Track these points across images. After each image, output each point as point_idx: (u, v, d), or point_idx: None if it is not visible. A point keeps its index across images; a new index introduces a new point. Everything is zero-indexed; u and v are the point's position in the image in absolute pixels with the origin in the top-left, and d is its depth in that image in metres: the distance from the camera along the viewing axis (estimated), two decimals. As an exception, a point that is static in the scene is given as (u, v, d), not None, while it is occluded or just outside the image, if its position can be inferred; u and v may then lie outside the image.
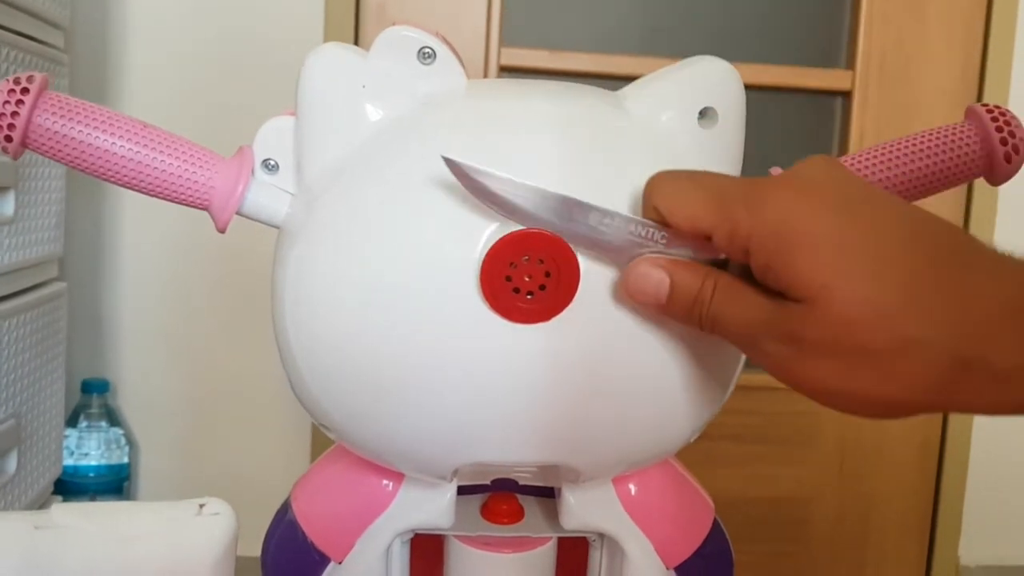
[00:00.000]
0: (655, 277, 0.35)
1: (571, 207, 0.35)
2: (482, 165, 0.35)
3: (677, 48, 1.36)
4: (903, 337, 0.30)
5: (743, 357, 0.41)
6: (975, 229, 1.39)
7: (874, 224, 0.32)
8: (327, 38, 1.31)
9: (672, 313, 0.35)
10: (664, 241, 0.35)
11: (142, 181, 0.38)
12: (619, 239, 0.35)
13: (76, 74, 1.19)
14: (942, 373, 0.31)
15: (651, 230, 0.35)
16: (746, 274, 0.34)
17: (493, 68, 1.35)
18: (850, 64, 1.39)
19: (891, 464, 1.45)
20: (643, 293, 0.35)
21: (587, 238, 0.35)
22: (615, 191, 0.37)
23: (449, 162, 0.35)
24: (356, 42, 1.31)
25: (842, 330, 0.31)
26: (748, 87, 0.40)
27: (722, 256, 0.35)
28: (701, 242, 0.35)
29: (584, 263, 0.36)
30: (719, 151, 0.40)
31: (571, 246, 0.35)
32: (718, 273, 0.34)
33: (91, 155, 0.38)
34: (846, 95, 1.39)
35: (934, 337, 0.30)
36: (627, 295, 0.36)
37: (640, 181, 0.38)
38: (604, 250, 0.35)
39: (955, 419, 1.43)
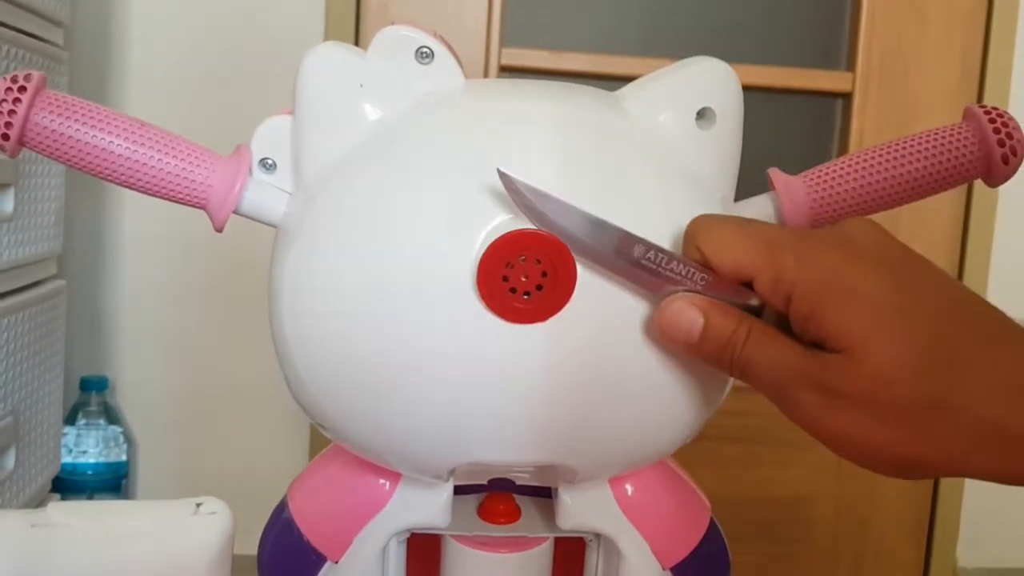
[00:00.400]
0: (688, 315, 0.35)
1: (619, 238, 0.35)
2: (536, 184, 0.35)
3: (677, 49, 1.36)
4: (937, 399, 0.32)
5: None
6: (975, 230, 1.39)
7: (914, 288, 0.33)
8: (328, 37, 1.31)
9: (702, 353, 0.36)
10: (703, 283, 0.35)
11: (139, 180, 0.38)
12: (659, 275, 0.35)
13: (76, 72, 1.19)
14: (969, 437, 0.32)
15: (692, 270, 0.35)
16: (780, 325, 0.35)
17: (494, 68, 1.35)
18: (850, 65, 1.39)
19: (889, 465, 1.44)
20: (675, 329, 0.35)
21: (627, 268, 0.35)
22: (612, 191, 0.37)
23: (504, 178, 0.35)
24: (357, 42, 1.31)
25: (879, 386, 0.32)
26: (748, 88, 0.40)
27: (756, 303, 0.35)
28: (740, 289, 0.35)
29: (581, 264, 0.36)
30: (716, 152, 0.40)
31: (608, 271, 0.36)
32: (752, 319, 0.35)
33: (88, 154, 0.38)
34: (846, 96, 1.39)
35: (965, 402, 0.32)
36: (658, 331, 0.36)
37: (637, 182, 0.38)
38: (641, 283, 0.36)
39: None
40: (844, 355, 0.32)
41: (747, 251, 0.34)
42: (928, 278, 0.34)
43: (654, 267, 0.35)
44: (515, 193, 0.35)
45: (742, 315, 0.35)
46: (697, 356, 0.36)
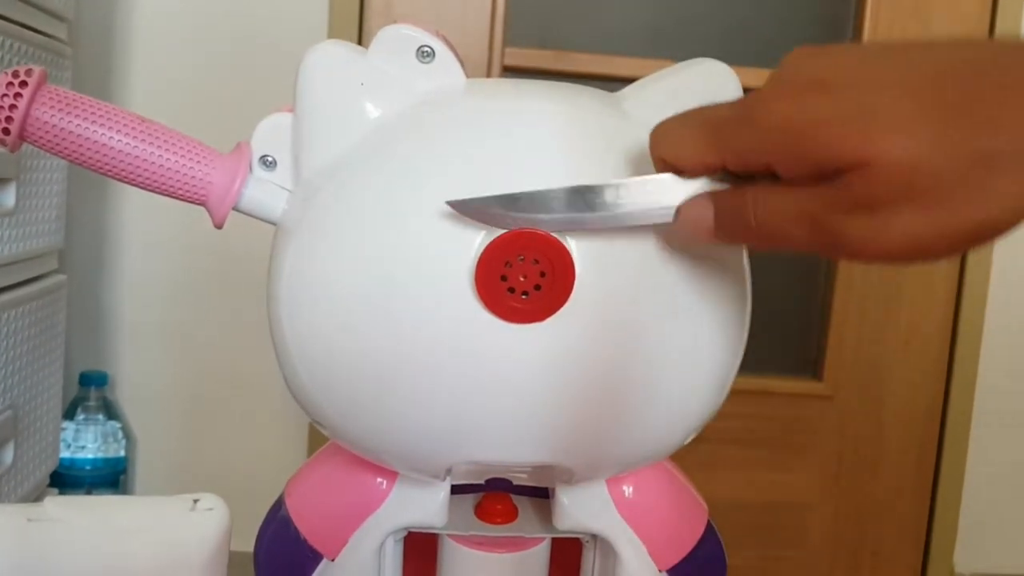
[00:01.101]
0: (696, 210, 0.34)
1: (583, 194, 0.35)
2: (481, 194, 0.35)
3: (680, 50, 1.35)
4: (972, 150, 0.28)
5: (739, 360, 0.41)
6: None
7: (886, 60, 0.30)
8: (332, 35, 1.31)
9: (727, 234, 0.34)
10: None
11: (139, 176, 0.38)
12: (641, 204, 0.35)
13: (79, 67, 1.19)
14: None
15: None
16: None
17: (496, 68, 1.35)
18: (853, 69, 1.39)
19: (888, 471, 1.44)
20: (694, 226, 0.35)
21: (611, 217, 0.35)
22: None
23: (458, 205, 0.35)
24: (360, 40, 1.31)
25: (910, 172, 0.29)
26: (749, 90, 0.40)
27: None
28: (713, 179, 0.34)
29: (580, 264, 0.36)
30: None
31: (607, 229, 0.36)
32: (754, 185, 0.33)
33: (88, 149, 0.38)
34: (849, 100, 1.39)
35: (1004, 140, 0.28)
36: (682, 236, 0.36)
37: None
38: (632, 221, 0.35)
39: (953, 427, 1.43)
40: (860, 168, 0.29)
41: (702, 143, 0.33)
42: (896, 46, 0.31)
43: (632, 201, 0.35)
44: (478, 213, 0.35)
45: (743, 187, 0.33)
46: (726, 240, 0.34)
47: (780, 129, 0.31)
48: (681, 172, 0.34)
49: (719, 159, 0.33)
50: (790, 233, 0.32)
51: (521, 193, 0.35)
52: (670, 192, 0.35)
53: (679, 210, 0.35)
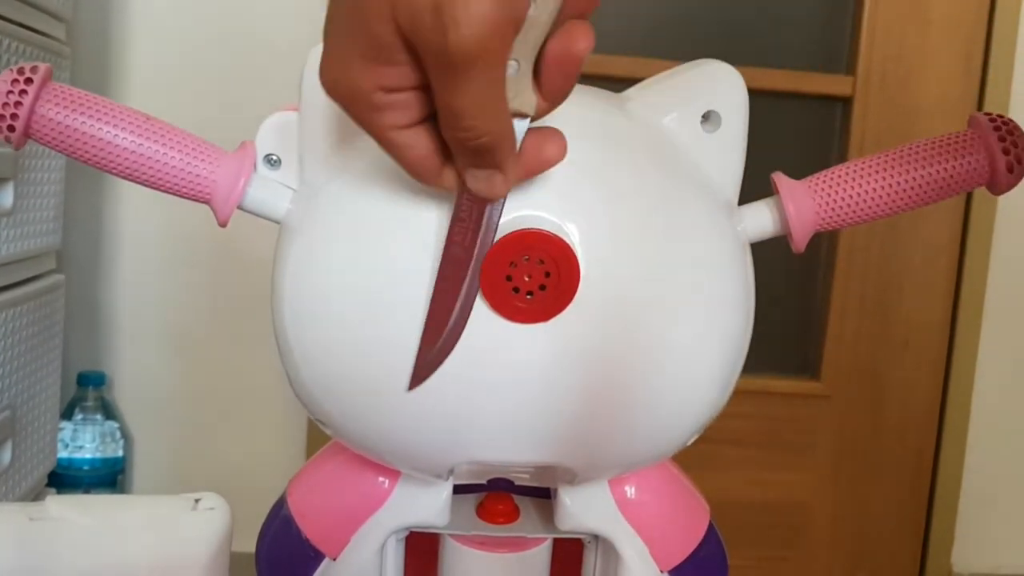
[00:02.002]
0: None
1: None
2: None
3: (680, 51, 1.35)
4: None
5: (742, 361, 0.41)
6: (974, 236, 1.39)
7: None
8: (329, 35, 1.30)
9: None
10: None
11: (144, 174, 0.38)
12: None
13: (78, 67, 1.19)
14: None
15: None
16: None
17: (495, 68, 1.34)
18: (851, 70, 1.39)
19: (886, 471, 1.45)
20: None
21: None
22: (615, 192, 0.37)
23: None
24: (358, 39, 1.30)
25: None
26: (748, 91, 0.40)
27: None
28: None
29: (585, 264, 0.36)
30: (721, 154, 0.40)
31: None
32: None
33: (93, 146, 0.38)
34: (847, 101, 1.39)
35: None
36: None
37: (641, 183, 0.38)
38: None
39: (950, 427, 1.43)
40: None
41: None
42: None
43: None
44: None
45: None
46: None
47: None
48: None
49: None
50: None
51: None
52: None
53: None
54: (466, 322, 0.36)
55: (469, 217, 0.34)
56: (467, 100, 0.29)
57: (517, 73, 0.30)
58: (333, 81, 0.31)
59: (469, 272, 0.35)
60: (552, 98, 0.32)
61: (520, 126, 0.32)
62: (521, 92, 0.31)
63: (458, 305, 0.35)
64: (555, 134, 0.33)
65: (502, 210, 0.34)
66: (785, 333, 1.43)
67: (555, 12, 0.30)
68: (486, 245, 0.35)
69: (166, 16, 1.30)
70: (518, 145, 0.32)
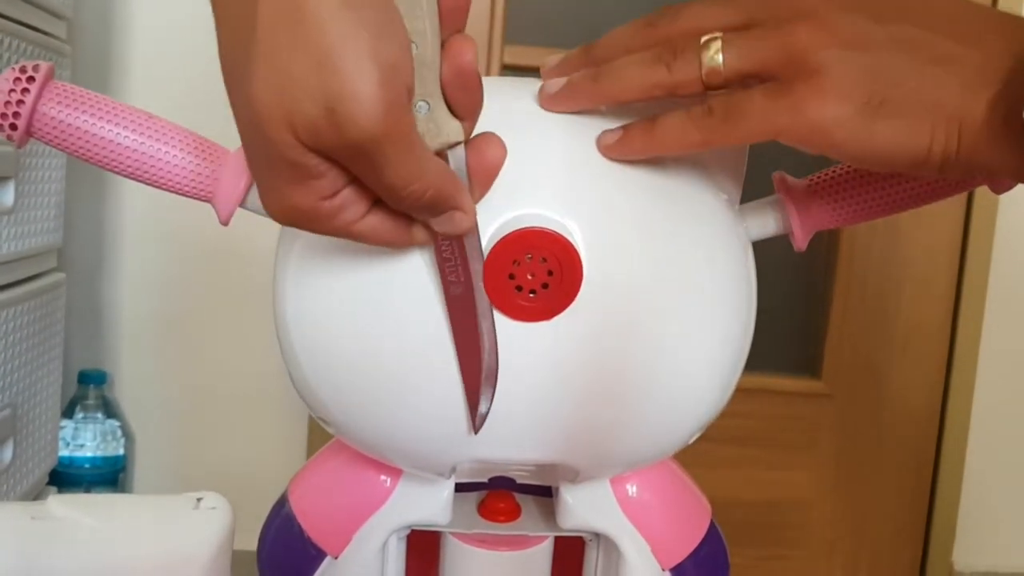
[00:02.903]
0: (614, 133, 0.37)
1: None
2: None
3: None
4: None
5: (743, 359, 0.41)
6: (975, 234, 1.39)
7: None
8: (330, 33, 1.30)
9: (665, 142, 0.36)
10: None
11: (146, 172, 0.38)
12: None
13: (78, 65, 1.19)
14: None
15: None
16: None
17: (496, 66, 1.35)
18: (853, 69, 1.39)
19: (887, 469, 1.45)
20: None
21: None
22: (616, 192, 0.37)
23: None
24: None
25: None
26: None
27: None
28: None
29: (587, 262, 0.36)
30: (724, 153, 0.40)
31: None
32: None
33: (95, 145, 0.38)
34: (848, 100, 1.39)
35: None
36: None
37: (644, 181, 0.38)
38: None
39: (951, 426, 1.43)
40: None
41: None
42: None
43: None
44: None
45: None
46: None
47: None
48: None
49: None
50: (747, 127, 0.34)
51: None
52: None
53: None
54: (496, 340, 0.36)
55: (452, 255, 0.35)
56: (395, 174, 0.30)
57: (430, 111, 0.32)
58: (280, 212, 0.32)
59: (476, 299, 0.36)
60: (468, 113, 0.33)
61: (456, 154, 0.33)
62: (442, 125, 0.32)
63: (483, 331, 0.36)
64: (488, 137, 0.34)
65: (479, 235, 0.35)
66: (786, 332, 1.43)
67: (437, 42, 0.31)
68: (478, 270, 0.35)
69: (167, 14, 1.30)
70: (463, 170, 0.33)
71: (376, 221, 0.33)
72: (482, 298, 0.36)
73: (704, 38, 0.34)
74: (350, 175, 0.31)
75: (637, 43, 0.36)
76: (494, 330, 0.36)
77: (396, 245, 0.34)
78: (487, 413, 0.37)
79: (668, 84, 0.35)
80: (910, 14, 0.33)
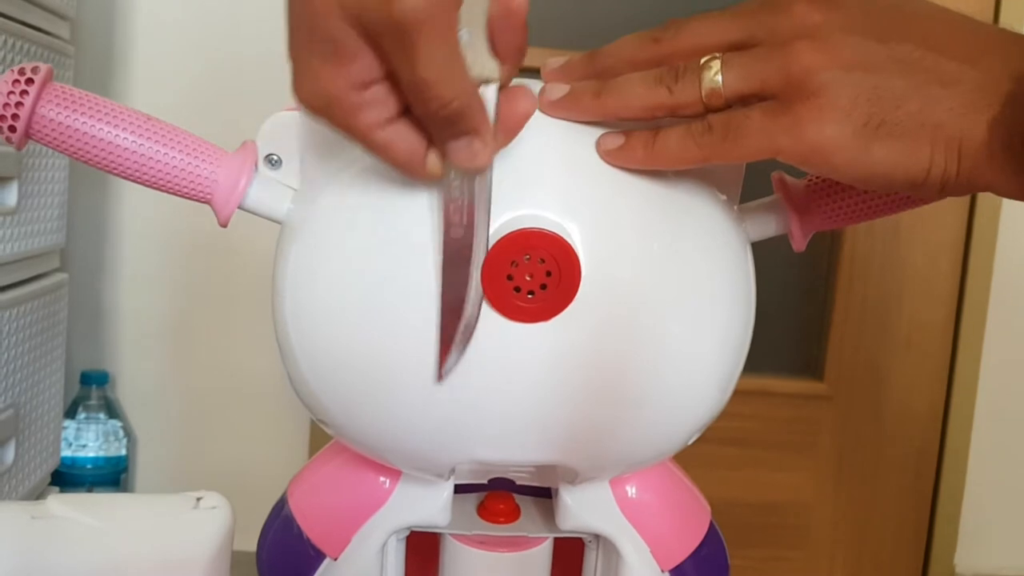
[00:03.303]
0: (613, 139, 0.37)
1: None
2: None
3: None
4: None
5: (743, 361, 0.41)
6: (978, 234, 1.39)
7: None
8: (333, 34, 1.31)
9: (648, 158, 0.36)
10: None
11: (145, 174, 0.38)
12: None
13: (81, 66, 1.19)
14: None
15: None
16: None
17: (498, 67, 1.34)
18: (855, 70, 1.39)
19: (889, 471, 1.44)
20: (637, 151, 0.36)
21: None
22: (615, 192, 0.37)
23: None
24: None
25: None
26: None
27: None
28: None
29: (586, 263, 0.36)
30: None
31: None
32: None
33: (94, 147, 0.38)
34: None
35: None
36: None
37: (642, 182, 0.38)
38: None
39: (954, 427, 1.43)
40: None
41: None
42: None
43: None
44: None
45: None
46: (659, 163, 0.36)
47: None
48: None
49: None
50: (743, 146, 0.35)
51: None
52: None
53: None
54: (481, 298, 0.36)
55: (461, 195, 0.35)
56: (427, 69, 0.30)
57: (470, 40, 0.32)
58: (307, 94, 0.32)
59: (474, 246, 0.35)
60: (509, 56, 0.33)
61: (489, 93, 0.33)
62: (479, 58, 0.32)
63: (472, 280, 0.35)
64: (524, 91, 0.35)
65: (491, 181, 0.35)
66: (788, 333, 1.43)
67: None
68: (483, 220, 0.35)
69: (169, 16, 1.30)
70: (492, 112, 0.33)
71: (396, 133, 0.33)
72: (480, 247, 0.35)
73: (704, 59, 0.35)
74: (384, 70, 0.31)
75: (641, 58, 0.37)
76: (481, 285, 0.36)
77: (408, 169, 0.34)
78: (454, 366, 0.37)
79: (670, 105, 0.35)
80: (911, 32, 0.33)
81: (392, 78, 0.32)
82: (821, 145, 0.33)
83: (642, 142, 0.36)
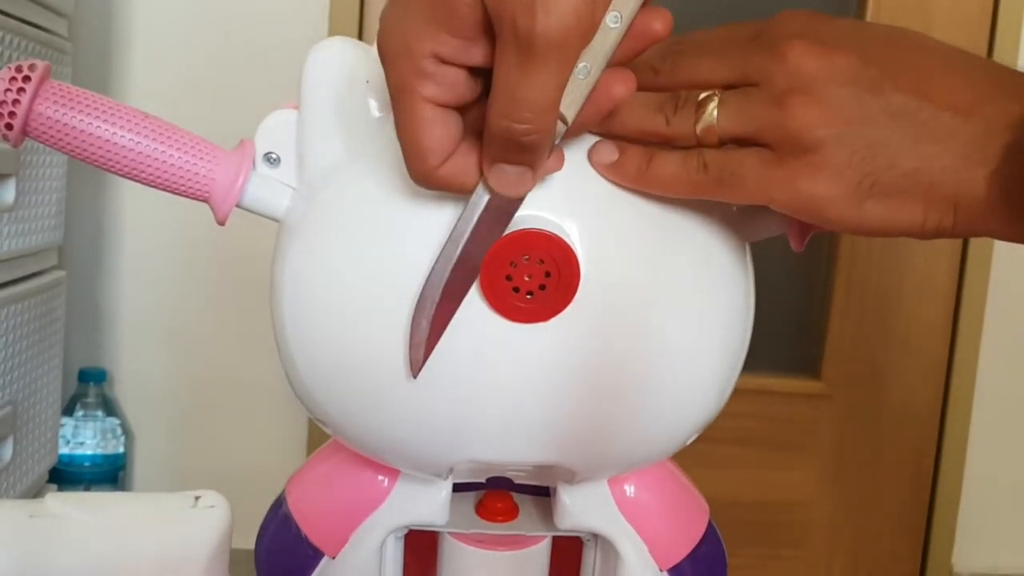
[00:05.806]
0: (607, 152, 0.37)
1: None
2: None
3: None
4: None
5: (742, 360, 0.41)
6: (975, 239, 1.39)
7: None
8: (332, 31, 1.31)
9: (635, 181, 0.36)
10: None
11: (142, 171, 0.38)
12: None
13: (79, 63, 1.19)
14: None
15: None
16: None
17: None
18: (854, 69, 1.39)
19: (887, 470, 1.45)
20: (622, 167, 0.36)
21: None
22: (615, 193, 0.37)
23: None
24: (360, 37, 1.30)
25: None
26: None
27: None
28: None
29: (585, 264, 0.36)
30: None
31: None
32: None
33: (92, 144, 0.38)
34: (849, 100, 1.39)
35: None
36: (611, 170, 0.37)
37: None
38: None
39: (952, 426, 1.43)
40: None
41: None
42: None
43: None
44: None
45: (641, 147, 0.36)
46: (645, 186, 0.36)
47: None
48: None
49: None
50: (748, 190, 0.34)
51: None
52: None
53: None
54: (447, 275, 0.35)
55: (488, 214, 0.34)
56: (531, 89, 0.29)
57: (585, 77, 0.31)
58: (391, 36, 0.30)
59: (470, 230, 0.35)
60: (581, 122, 0.33)
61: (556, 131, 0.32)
62: (574, 99, 0.31)
63: (443, 255, 0.35)
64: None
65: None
66: (786, 332, 1.43)
67: (623, 31, 0.31)
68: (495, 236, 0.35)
69: (168, 13, 1.30)
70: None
71: (444, 119, 0.31)
72: (475, 232, 0.35)
73: (702, 95, 0.35)
74: (478, 60, 0.30)
75: (640, 84, 0.36)
76: (452, 264, 0.35)
77: (426, 158, 0.32)
78: (422, 345, 0.36)
79: (664, 135, 0.35)
80: (906, 78, 0.33)
81: (473, 73, 0.30)
82: (814, 200, 0.33)
83: (636, 163, 0.36)
